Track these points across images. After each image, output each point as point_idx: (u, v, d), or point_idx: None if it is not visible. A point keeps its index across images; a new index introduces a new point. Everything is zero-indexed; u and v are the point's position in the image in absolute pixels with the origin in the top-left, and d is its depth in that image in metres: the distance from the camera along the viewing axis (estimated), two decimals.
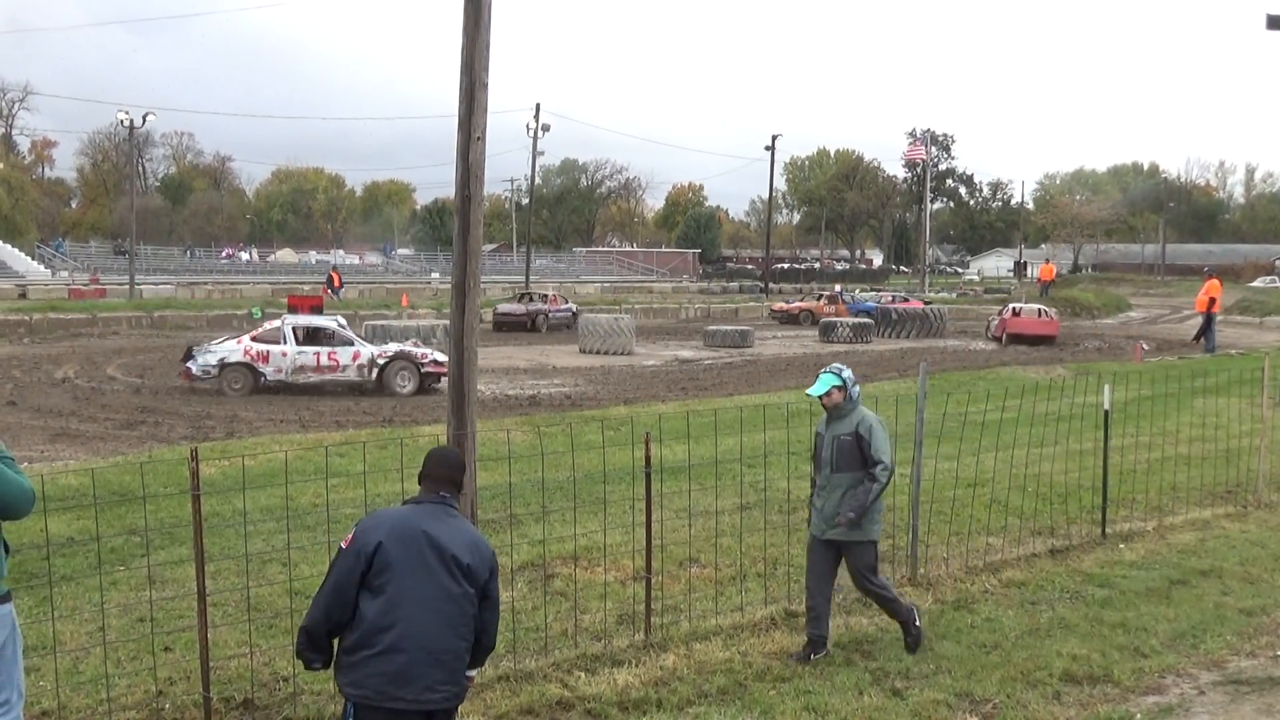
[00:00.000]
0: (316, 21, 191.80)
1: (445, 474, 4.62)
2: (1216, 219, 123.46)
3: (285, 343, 21.91)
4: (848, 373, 7.09)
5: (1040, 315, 36.87)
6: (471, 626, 4.45)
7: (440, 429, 11.72)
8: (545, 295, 45.91)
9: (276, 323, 22.84)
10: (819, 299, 50.28)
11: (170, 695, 6.17)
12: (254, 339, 21.87)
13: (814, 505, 7.16)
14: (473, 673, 4.67)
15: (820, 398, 7.02)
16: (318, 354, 21.97)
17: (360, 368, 22.16)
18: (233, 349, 21.51)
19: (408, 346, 23.66)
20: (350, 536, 4.39)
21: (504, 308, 43.03)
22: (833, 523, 6.92)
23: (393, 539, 4.32)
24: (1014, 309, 37.72)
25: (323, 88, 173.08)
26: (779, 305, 51.80)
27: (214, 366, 21.28)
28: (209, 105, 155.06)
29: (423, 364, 22.48)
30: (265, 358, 21.61)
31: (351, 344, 22.52)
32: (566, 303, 45.50)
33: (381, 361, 22.25)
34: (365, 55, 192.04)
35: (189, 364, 21.24)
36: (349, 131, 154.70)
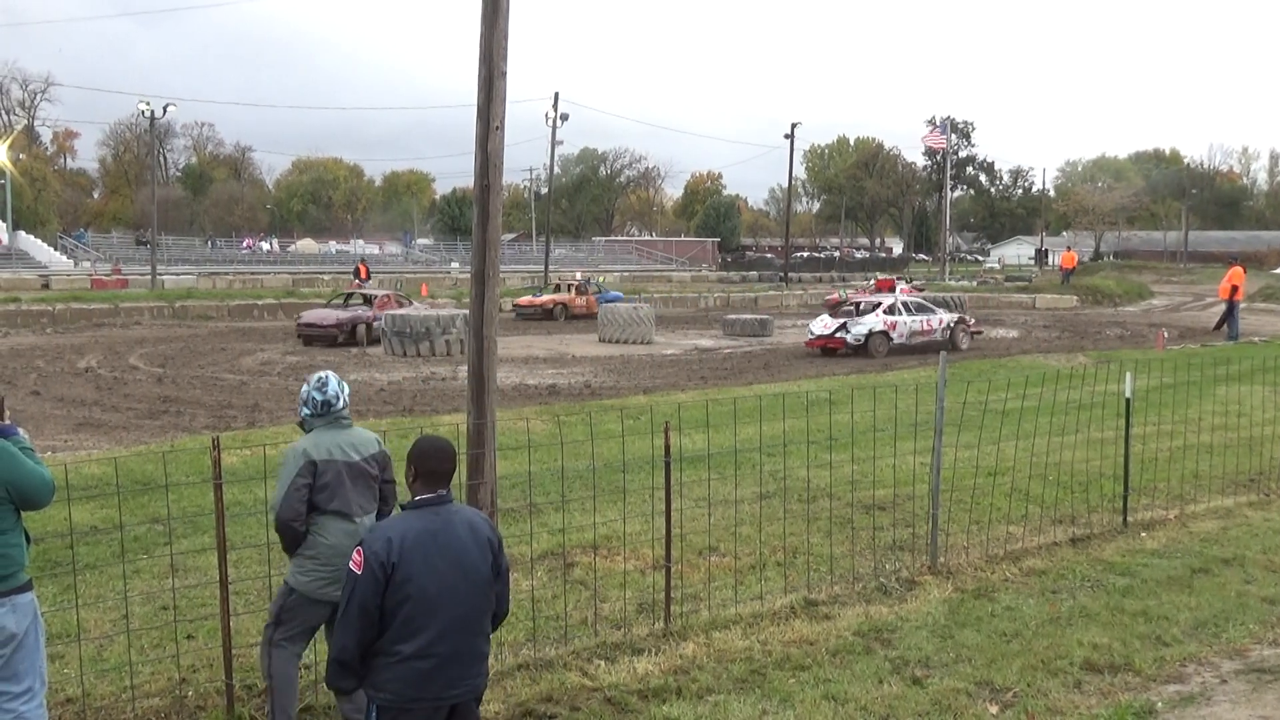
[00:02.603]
0: (323, 10, 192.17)
1: (445, 469, 4.47)
2: (1240, 206, 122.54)
3: (902, 314, 28.52)
4: (308, 388, 5.67)
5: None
6: (489, 617, 4.48)
7: (460, 418, 11.74)
8: (372, 297, 33.70)
9: (889, 298, 29.84)
10: (556, 288, 43.34)
11: (193, 683, 6.22)
12: (887, 312, 28.45)
13: None
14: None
15: None
16: (923, 321, 28.88)
17: (942, 330, 28.96)
18: (875, 321, 27.91)
19: (962, 314, 31.65)
20: (360, 559, 4.25)
21: (309, 314, 32.41)
22: None
23: (405, 555, 4.23)
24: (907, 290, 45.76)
25: (331, 77, 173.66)
26: (525, 299, 42.18)
27: (864, 335, 27.42)
28: (213, 95, 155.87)
29: (971, 327, 30.10)
30: (894, 326, 28.23)
31: (935, 312, 29.61)
32: (410, 304, 33.89)
33: (951, 325, 29.24)
34: (374, 43, 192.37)
35: (839, 334, 27.52)
36: (362, 120, 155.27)
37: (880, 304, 29.04)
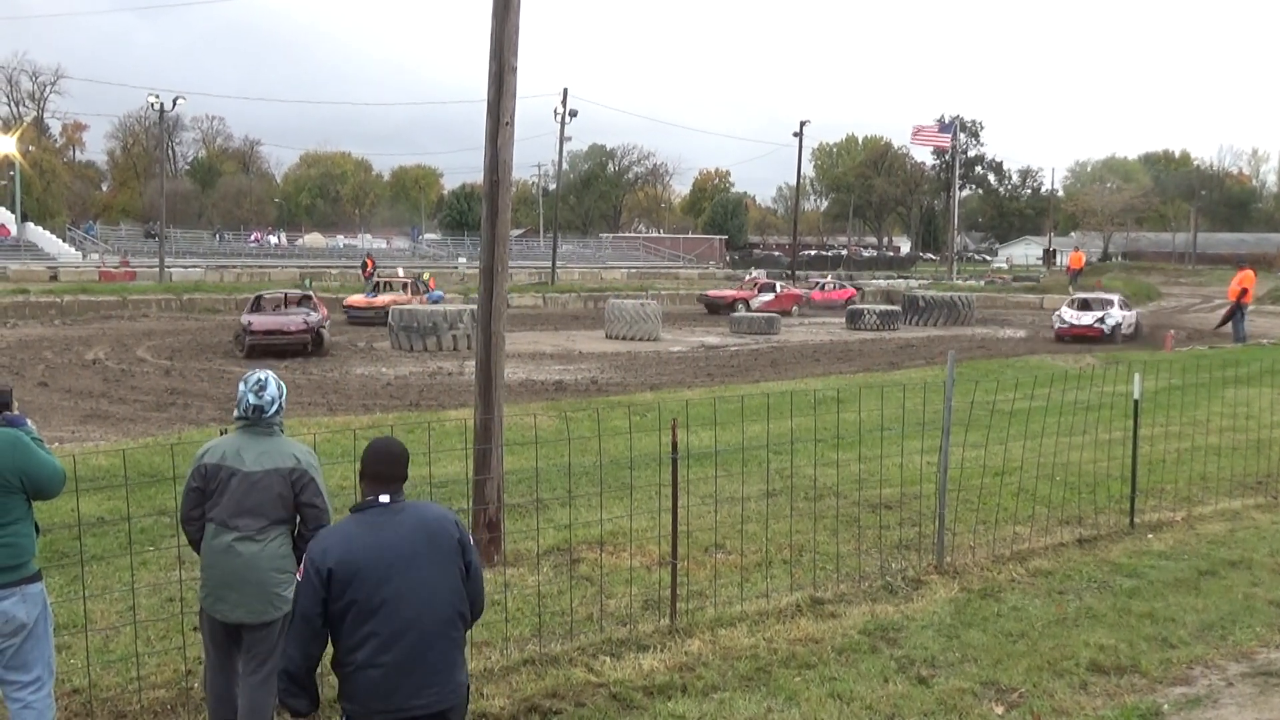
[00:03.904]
0: (328, 4, 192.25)
1: (392, 472, 4.30)
2: (1249, 207, 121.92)
3: (1125, 310, 33.38)
4: (244, 389, 5.31)
5: (839, 287, 52.31)
6: (457, 617, 4.28)
7: (466, 413, 11.76)
8: (309, 295, 30.17)
9: (1117, 295, 35.36)
10: (377, 288, 39.64)
11: (199, 674, 6.21)
12: (1121, 307, 33.17)
13: None
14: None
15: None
16: (1133, 315, 34.04)
17: (1138, 325, 34.04)
18: (1119, 315, 32.38)
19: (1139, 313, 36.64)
20: (301, 568, 4.13)
21: (264, 320, 26.54)
22: None
23: (344, 560, 4.10)
24: (822, 285, 52.07)
25: (337, 72, 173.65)
26: (359, 300, 37.78)
27: (1115, 325, 31.78)
28: (220, 89, 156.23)
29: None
30: (1125, 320, 32.73)
31: (1132, 309, 34.91)
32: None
33: (1138, 320, 34.47)
34: (381, 38, 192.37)
35: (1097, 325, 31.86)
36: (369, 115, 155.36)
37: (1113, 300, 33.93)
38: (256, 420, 5.23)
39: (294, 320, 26.50)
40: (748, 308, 43.87)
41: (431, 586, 4.20)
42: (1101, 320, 31.99)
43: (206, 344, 28.88)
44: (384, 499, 4.26)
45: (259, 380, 5.26)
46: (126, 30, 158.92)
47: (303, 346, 25.98)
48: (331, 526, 4.30)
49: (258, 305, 28.30)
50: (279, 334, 25.82)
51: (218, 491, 5.14)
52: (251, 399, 5.22)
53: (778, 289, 46.55)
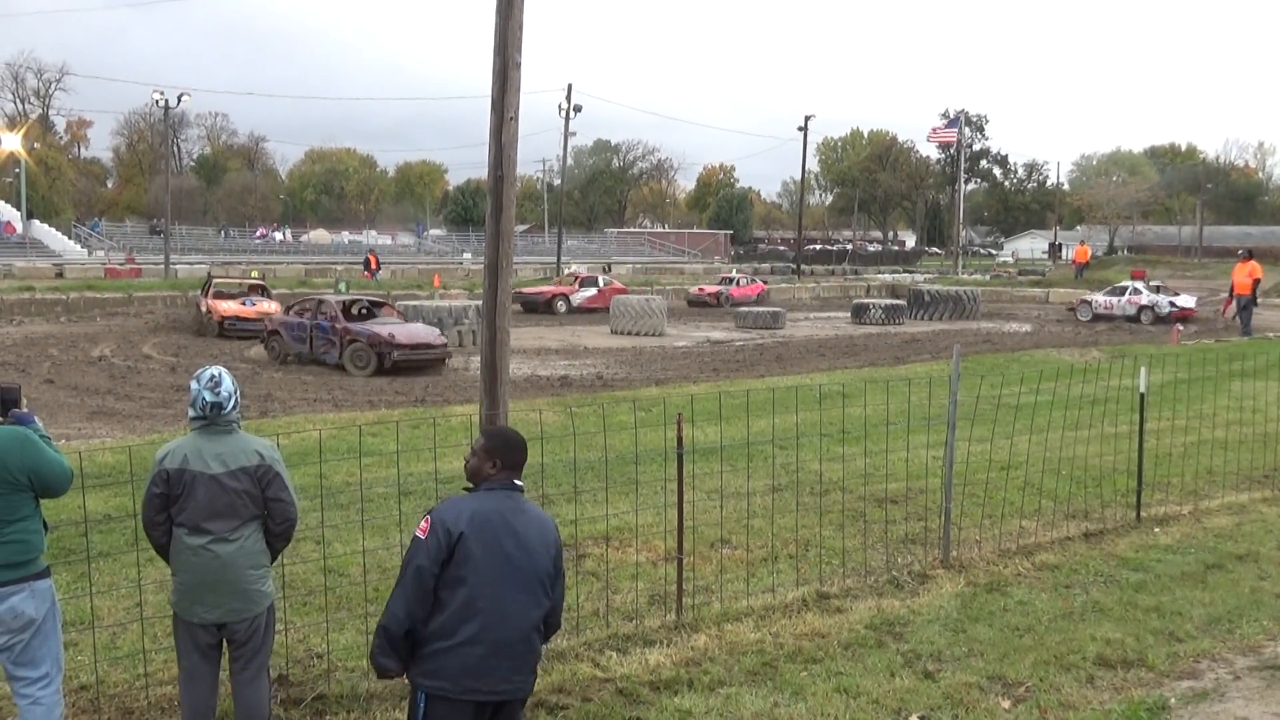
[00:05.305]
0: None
1: (521, 459, 4.48)
2: (1255, 200, 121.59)
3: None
4: (198, 388, 5.13)
5: (751, 282, 52.27)
6: (544, 614, 4.40)
7: (472, 408, 11.74)
8: (384, 303, 27.02)
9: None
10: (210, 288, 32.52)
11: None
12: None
13: None
14: (543, 645, 4.67)
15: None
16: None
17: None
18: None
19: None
20: (427, 525, 4.19)
21: (407, 333, 23.32)
22: None
23: (474, 528, 4.17)
24: (737, 280, 51.67)
25: (338, 69, 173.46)
26: (225, 308, 30.46)
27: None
28: (222, 85, 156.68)
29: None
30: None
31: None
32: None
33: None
34: (385, 35, 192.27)
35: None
36: (373, 112, 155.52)
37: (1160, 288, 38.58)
38: (215, 419, 5.09)
39: (434, 332, 24.39)
40: (568, 304, 41.28)
41: (537, 575, 4.32)
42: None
43: (212, 340, 28.89)
44: (518, 482, 4.42)
45: (213, 377, 5.11)
46: (129, 27, 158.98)
47: (442, 362, 23.74)
48: (463, 495, 4.36)
49: (289, 311, 25.52)
50: (425, 348, 23.27)
51: (183, 496, 5.02)
52: (208, 396, 5.06)
53: (600, 284, 43.51)
